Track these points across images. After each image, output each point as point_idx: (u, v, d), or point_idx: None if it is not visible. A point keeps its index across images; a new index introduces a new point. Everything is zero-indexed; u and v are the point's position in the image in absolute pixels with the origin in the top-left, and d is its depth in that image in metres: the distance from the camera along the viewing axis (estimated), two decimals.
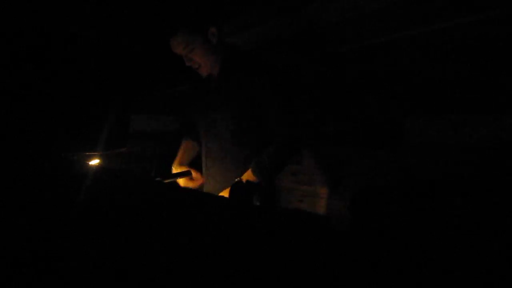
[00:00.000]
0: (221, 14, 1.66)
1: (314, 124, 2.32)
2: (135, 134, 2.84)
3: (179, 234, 0.53)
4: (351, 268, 0.41)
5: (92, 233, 0.54)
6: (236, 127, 1.55)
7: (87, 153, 1.71)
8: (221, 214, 0.68)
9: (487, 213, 1.19)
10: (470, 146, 1.62)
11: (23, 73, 1.49)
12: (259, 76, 1.51)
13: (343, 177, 2.17)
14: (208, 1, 1.67)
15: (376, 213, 1.46)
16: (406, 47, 1.84)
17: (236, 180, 1.53)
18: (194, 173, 1.74)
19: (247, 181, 1.52)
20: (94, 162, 1.75)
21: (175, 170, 1.78)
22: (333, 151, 2.23)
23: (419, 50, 1.79)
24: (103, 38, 1.93)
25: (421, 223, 1.32)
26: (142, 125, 2.92)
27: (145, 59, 2.53)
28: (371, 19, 1.96)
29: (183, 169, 1.75)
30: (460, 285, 0.39)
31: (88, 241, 0.51)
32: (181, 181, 1.76)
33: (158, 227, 0.57)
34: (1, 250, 0.46)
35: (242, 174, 1.53)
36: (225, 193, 1.56)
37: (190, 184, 1.74)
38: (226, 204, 0.93)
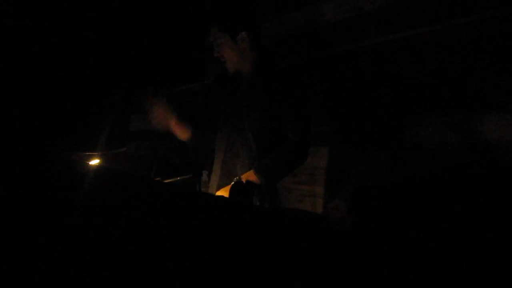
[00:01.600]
0: (256, 20, 1.72)
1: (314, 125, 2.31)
2: (135, 134, 2.84)
3: (179, 234, 0.54)
4: (351, 268, 0.41)
5: (92, 233, 0.54)
6: (262, 125, 1.60)
7: (87, 153, 1.71)
8: (221, 214, 0.68)
9: (487, 212, 1.19)
10: (470, 146, 1.62)
11: (23, 73, 1.49)
12: (285, 84, 1.59)
13: (343, 177, 2.17)
14: (246, 7, 1.76)
15: (376, 213, 1.46)
16: (406, 47, 1.84)
17: (235, 179, 1.54)
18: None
19: (247, 181, 1.53)
20: (94, 162, 1.75)
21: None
22: (333, 151, 2.23)
23: (419, 50, 1.79)
24: (104, 38, 1.93)
25: (421, 223, 1.32)
26: (142, 125, 2.92)
27: (145, 59, 2.53)
28: (371, 19, 1.96)
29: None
30: (461, 284, 0.39)
31: (88, 241, 0.51)
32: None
33: (158, 227, 0.57)
34: (1, 250, 0.46)
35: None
36: (224, 193, 1.57)
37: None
38: (226, 204, 0.93)
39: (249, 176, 1.55)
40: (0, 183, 0.83)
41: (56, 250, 0.47)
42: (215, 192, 1.66)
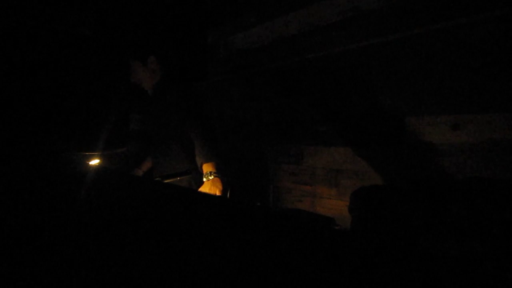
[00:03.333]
0: (162, 43, 2.09)
1: (313, 125, 2.32)
2: (135, 134, 2.83)
3: (179, 234, 0.53)
4: (351, 268, 0.41)
5: (91, 233, 0.54)
6: (170, 130, 1.93)
7: (87, 153, 1.71)
8: (221, 214, 0.68)
9: (488, 213, 1.19)
10: (470, 146, 1.62)
11: (23, 72, 1.50)
12: (180, 96, 1.89)
13: (343, 178, 2.17)
14: (152, 32, 2.17)
15: (376, 213, 1.46)
16: (406, 47, 1.84)
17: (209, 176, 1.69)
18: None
19: (223, 178, 1.63)
20: (94, 162, 1.75)
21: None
22: (333, 151, 2.23)
23: (419, 50, 1.79)
24: (103, 38, 1.93)
25: (421, 223, 1.32)
26: (142, 125, 2.92)
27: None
28: (371, 18, 1.96)
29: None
30: (461, 285, 0.39)
31: (87, 241, 0.51)
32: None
33: (158, 227, 0.57)
34: (1, 250, 0.46)
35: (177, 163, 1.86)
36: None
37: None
38: (226, 204, 0.93)
39: (213, 182, 1.71)
40: (1, 183, 0.83)
41: (56, 249, 0.47)
42: None
